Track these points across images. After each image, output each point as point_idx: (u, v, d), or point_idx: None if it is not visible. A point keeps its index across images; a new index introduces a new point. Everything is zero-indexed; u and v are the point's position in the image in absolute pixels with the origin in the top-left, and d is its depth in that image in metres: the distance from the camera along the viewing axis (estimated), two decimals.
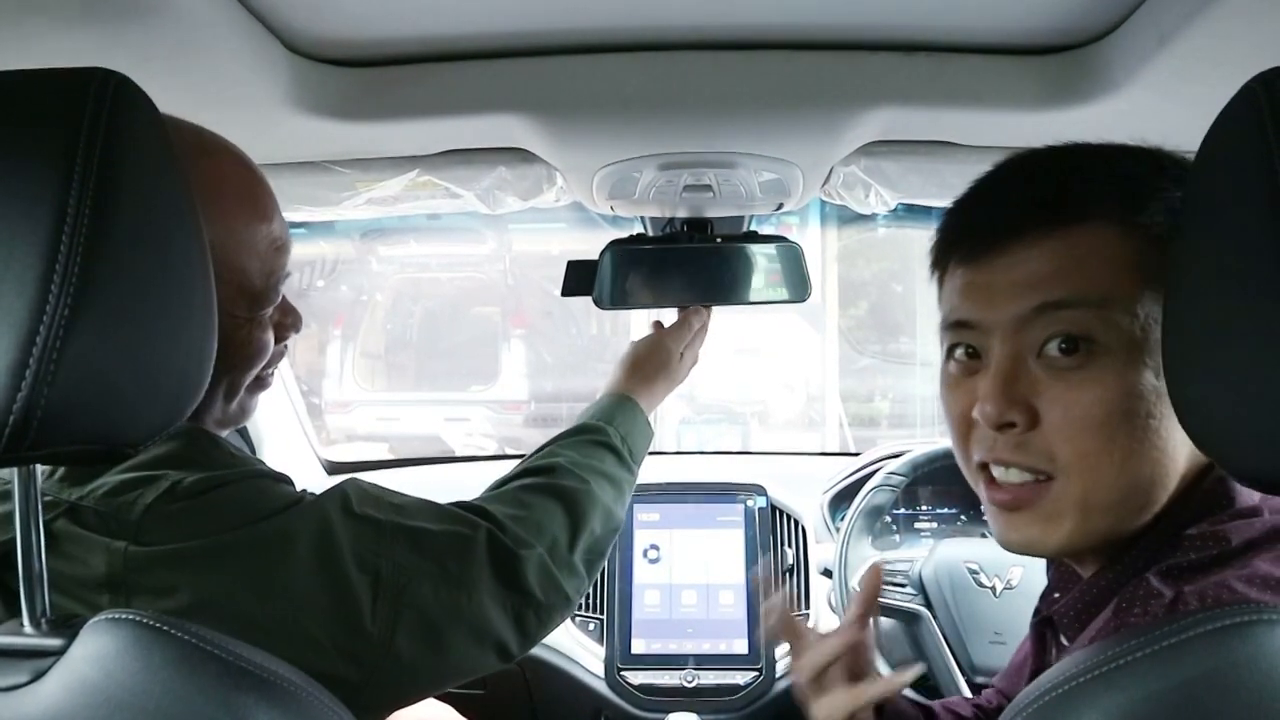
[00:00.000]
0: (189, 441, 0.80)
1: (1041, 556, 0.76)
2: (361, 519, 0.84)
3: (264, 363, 0.91)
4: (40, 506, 0.60)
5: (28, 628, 0.59)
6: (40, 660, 0.56)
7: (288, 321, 0.94)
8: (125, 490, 0.73)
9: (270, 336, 0.90)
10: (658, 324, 1.43)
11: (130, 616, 0.56)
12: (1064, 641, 0.80)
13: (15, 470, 0.60)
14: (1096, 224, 0.70)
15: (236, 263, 0.83)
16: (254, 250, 0.85)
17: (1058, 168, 0.75)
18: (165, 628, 0.56)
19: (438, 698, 1.21)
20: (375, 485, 0.91)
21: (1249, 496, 0.70)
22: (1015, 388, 0.72)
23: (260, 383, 0.94)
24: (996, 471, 0.75)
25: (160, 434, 0.62)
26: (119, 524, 0.72)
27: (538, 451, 1.14)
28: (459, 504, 0.97)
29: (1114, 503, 0.70)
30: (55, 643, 0.57)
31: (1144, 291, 0.68)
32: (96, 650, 0.56)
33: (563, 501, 1.02)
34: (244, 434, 2.05)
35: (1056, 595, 0.81)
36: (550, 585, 0.96)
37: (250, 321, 0.86)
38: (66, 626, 0.58)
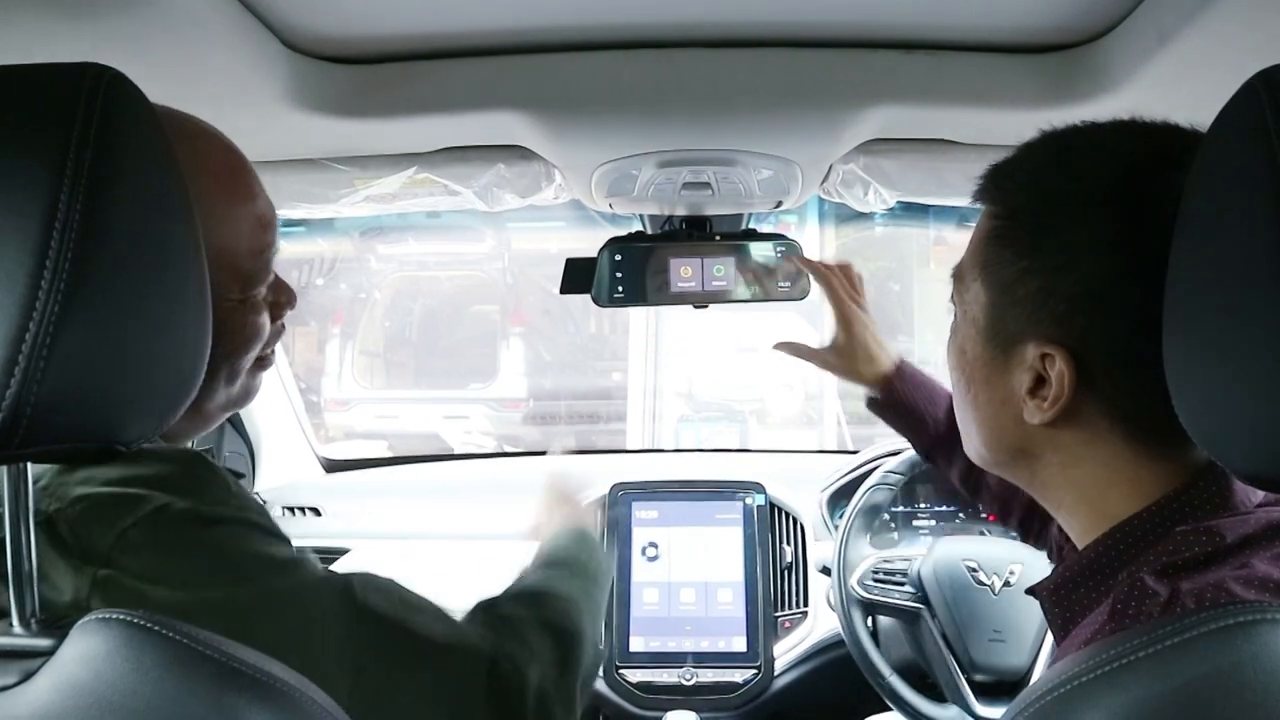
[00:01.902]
0: (185, 467, 0.76)
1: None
2: (362, 611, 0.79)
3: (262, 344, 0.89)
4: (31, 505, 0.60)
5: (17, 628, 0.58)
6: (29, 661, 0.56)
7: (282, 299, 0.92)
8: (105, 507, 0.69)
9: (265, 318, 0.88)
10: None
11: (121, 616, 0.56)
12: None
13: (5, 469, 0.59)
14: (984, 205, 0.78)
15: (225, 245, 0.81)
16: (241, 231, 0.83)
17: (1019, 151, 0.78)
18: (156, 627, 0.56)
19: None
20: (389, 579, 0.86)
21: (1245, 503, 0.70)
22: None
23: (262, 363, 0.92)
24: None
25: (153, 432, 0.61)
26: (91, 549, 0.68)
27: (529, 580, 1.11)
28: (465, 618, 0.94)
29: (973, 439, 0.83)
30: (44, 643, 0.56)
31: (976, 271, 0.77)
32: (86, 650, 0.55)
33: (558, 635, 0.99)
34: (243, 432, 2.05)
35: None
36: (544, 717, 0.93)
37: (244, 304, 0.85)
38: (56, 626, 0.58)
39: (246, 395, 0.91)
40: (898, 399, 1.28)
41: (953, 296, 0.82)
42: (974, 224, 0.80)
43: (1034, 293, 0.71)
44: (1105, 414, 0.70)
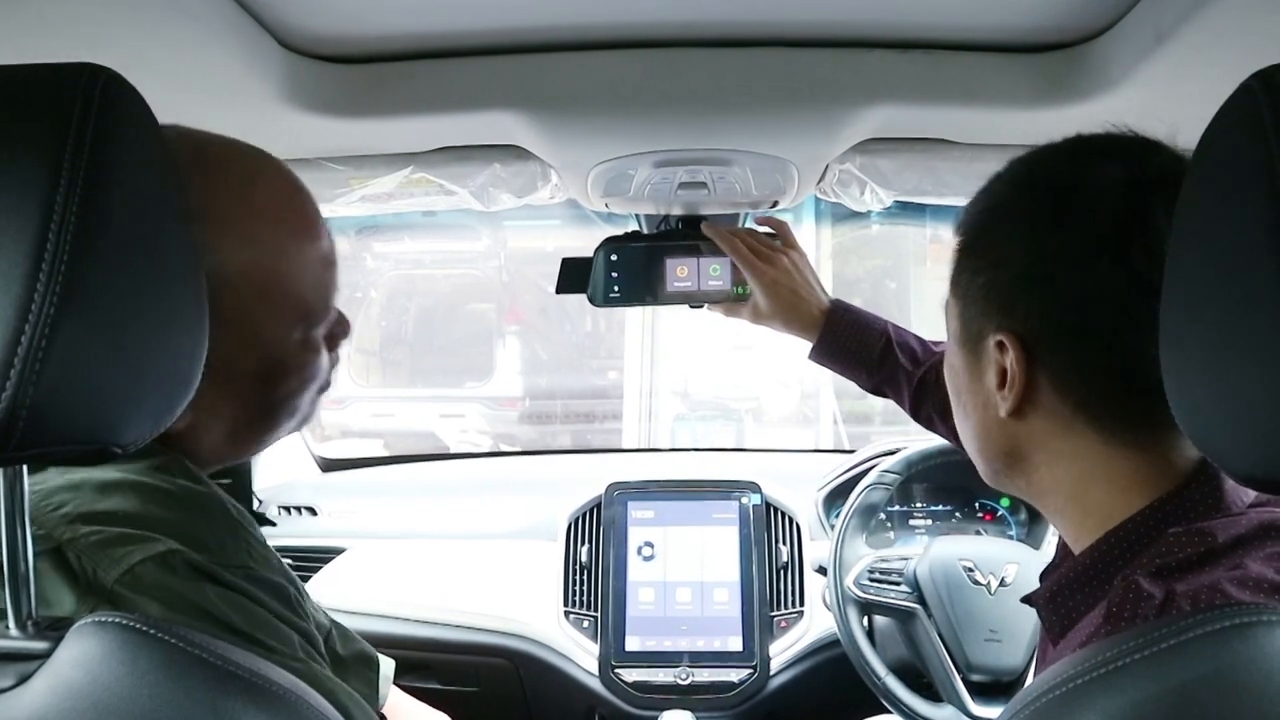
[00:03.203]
0: (210, 519, 0.75)
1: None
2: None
3: (322, 379, 0.88)
4: (27, 506, 0.59)
5: (13, 630, 0.58)
6: (25, 664, 0.55)
7: (338, 330, 0.90)
8: (117, 543, 0.68)
9: (324, 356, 0.87)
10: None
11: (117, 620, 0.56)
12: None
13: (1, 471, 0.59)
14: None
15: (292, 287, 0.80)
16: (308, 271, 0.81)
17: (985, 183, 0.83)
18: (152, 631, 0.55)
19: (431, 702, 1.21)
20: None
21: (1237, 504, 0.70)
22: None
23: (323, 389, 0.90)
24: None
25: (150, 435, 0.61)
26: (97, 581, 0.67)
27: None
28: None
29: (974, 453, 0.86)
30: (41, 646, 0.56)
31: (950, 291, 0.83)
32: (83, 654, 0.55)
33: None
34: None
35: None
36: None
37: (305, 344, 0.83)
38: (52, 629, 0.58)
39: (307, 419, 0.90)
40: (830, 345, 1.31)
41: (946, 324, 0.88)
42: None
43: (982, 288, 0.77)
44: (1063, 398, 0.74)
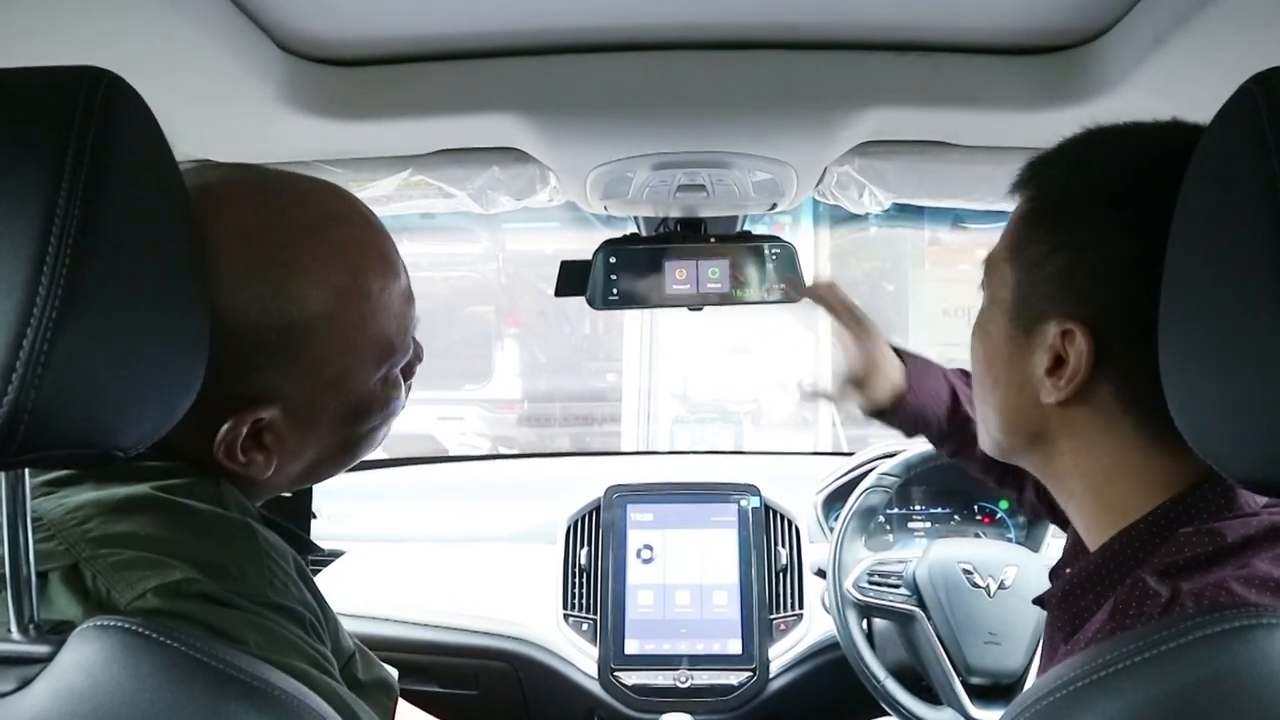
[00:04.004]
0: (233, 546, 0.71)
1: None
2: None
3: (400, 410, 0.87)
4: (29, 509, 0.59)
5: (15, 634, 0.58)
6: (27, 668, 0.55)
7: (412, 359, 0.88)
8: (134, 567, 0.65)
9: (402, 388, 0.85)
10: None
11: (118, 624, 0.56)
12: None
13: (2, 475, 0.59)
14: (1020, 194, 0.80)
15: (375, 330, 0.78)
16: (390, 312, 0.79)
17: (1060, 144, 0.79)
18: (154, 635, 0.55)
19: (430, 706, 1.20)
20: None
21: (1250, 505, 0.70)
22: None
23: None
24: None
25: (151, 439, 0.60)
26: (110, 602, 0.65)
27: None
28: None
29: (989, 424, 0.83)
30: (43, 650, 0.56)
31: (1006, 254, 0.79)
32: (85, 658, 0.55)
33: None
34: None
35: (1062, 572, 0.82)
36: None
37: (386, 381, 0.82)
38: (54, 633, 0.57)
39: (378, 445, 0.89)
40: (910, 408, 1.23)
41: (983, 283, 0.84)
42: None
43: (1059, 269, 0.73)
44: (1119, 396, 0.71)
